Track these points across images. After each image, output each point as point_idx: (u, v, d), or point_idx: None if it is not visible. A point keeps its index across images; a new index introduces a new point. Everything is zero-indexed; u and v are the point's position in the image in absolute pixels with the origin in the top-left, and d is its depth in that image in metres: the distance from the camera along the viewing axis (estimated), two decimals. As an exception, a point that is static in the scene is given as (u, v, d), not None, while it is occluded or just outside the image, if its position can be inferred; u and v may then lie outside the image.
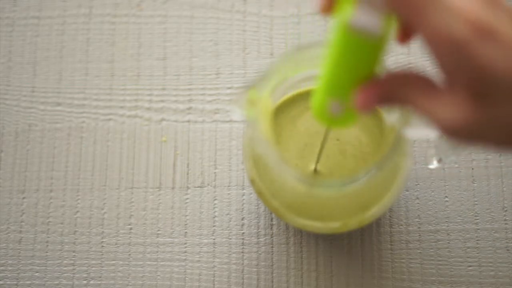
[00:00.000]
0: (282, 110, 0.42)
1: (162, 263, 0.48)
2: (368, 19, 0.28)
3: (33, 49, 0.52)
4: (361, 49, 0.29)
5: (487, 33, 0.25)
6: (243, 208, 0.49)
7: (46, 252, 0.49)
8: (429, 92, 0.28)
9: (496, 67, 0.25)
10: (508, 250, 0.47)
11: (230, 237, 0.48)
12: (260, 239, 0.48)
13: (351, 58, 0.29)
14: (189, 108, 0.51)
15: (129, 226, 0.49)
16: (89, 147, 0.50)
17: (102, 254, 0.48)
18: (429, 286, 0.47)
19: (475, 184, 0.48)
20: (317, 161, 0.41)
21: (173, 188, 0.49)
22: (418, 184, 0.48)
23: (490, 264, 0.47)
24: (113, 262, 0.48)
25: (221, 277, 0.48)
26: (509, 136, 0.27)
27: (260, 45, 0.52)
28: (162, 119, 0.50)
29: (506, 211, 0.48)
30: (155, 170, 0.50)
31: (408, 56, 0.51)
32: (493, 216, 0.48)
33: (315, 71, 0.40)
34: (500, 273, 0.47)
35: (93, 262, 0.48)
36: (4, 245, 0.49)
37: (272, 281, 0.47)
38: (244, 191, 0.49)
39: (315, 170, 0.41)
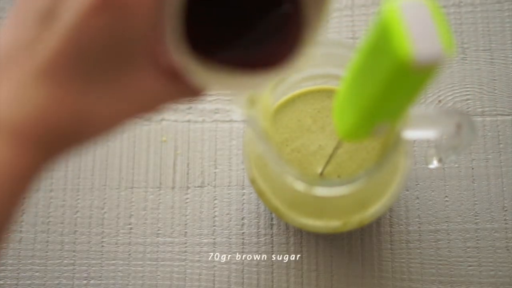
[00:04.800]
0: (282, 110, 0.42)
1: (162, 262, 0.48)
2: (432, 49, 0.23)
3: (33, 49, 0.52)
4: (424, 76, 0.25)
5: None
6: (243, 208, 0.49)
7: (46, 252, 0.49)
8: None
9: None
10: (508, 250, 0.47)
11: (230, 237, 0.48)
12: (260, 239, 0.48)
13: (411, 86, 0.26)
14: (189, 108, 0.51)
15: (129, 226, 0.49)
16: (89, 147, 0.50)
17: (102, 254, 0.48)
18: (429, 286, 0.47)
19: (475, 184, 0.48)
20: (325, 166, 0.41)
21: (173, 188, 0.49)
22: (418, 184, 0.48)
23: (490, 264, 0.47)
24: (113, 262, 0.48)
25: (221, 277, 0.47)
26: None
27: (260, 45, 0.52)
28: (162, 119, 0.50)
29: (506, 211, 0.48)
30: (155, 170, 0.50)
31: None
32: (493, 216, 0.48)
33: (315, 71, 0.40)
34: (500, 273, 0.47)
35: (93, 262, 0.48)
36: (4, 245, 0.49)
37: (272, 281, 0.47)
38: (244, 191, 0.49)
39: (321, 174, 0.41)
